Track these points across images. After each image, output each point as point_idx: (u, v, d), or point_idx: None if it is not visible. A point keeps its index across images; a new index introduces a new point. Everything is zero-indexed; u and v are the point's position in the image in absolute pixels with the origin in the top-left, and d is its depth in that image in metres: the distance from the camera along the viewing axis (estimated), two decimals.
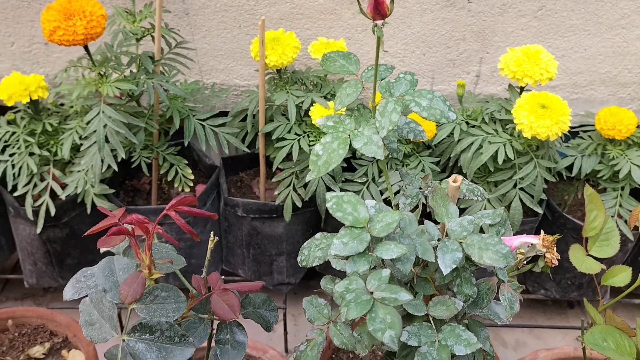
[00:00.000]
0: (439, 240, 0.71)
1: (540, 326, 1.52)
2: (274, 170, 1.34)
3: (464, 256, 0.68)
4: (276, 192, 1.38)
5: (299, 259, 0.86)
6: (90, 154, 1.17)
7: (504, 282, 0.75)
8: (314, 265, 0.85)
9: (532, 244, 0.77)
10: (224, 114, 1.41)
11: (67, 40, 1.06)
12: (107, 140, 1.16)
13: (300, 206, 1.35)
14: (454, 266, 0.67)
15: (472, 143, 1.26)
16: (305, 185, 1.36)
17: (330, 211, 0.66)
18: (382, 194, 1.34)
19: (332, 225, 1.49)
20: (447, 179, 0.81)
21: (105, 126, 1.12)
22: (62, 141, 1.27)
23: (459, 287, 0.72)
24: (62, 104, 1.39)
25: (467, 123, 1.31)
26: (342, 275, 0.73)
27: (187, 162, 1.35)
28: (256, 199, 1.46)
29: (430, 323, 0.69)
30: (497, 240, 0.68)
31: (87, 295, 0.66)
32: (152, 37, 1.24)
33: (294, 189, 1.35)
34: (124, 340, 0.59)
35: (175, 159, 1.31)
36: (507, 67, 1.22)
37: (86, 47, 1.15)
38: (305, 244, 0.86)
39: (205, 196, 1.41)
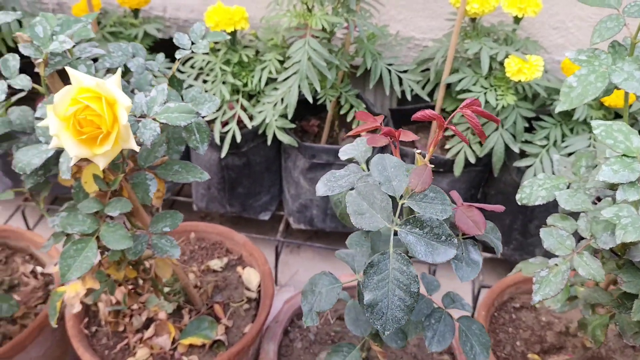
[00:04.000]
0: None
1: None
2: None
3: None
4: (447, 146, 1.37)
5: (518, 196, 0.86)
6: (286, 85, 1.23)
7: None
8: (535, 204, 0.84)
9: None
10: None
11: None
12: None
13: (473, 162, 1.34)
14: None
15: None
16: (480, 142, 1.34)
17: (599, 138, 0.65)
18: None
19: (497, 188, 1.47)
20: None
21: (309, 58, 1.16)
22: (254, 73, 1.33)
23: None
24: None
25: None
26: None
27: (365, 105, 1.38)
28: None
29: None
30: None
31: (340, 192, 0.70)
32: None
33: (468, 144, 1.34)
34: (395, 231, 0.61)
35: (356, 101, 1.35)
36: None
37: None
38: (526, 182, 0.86)
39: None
